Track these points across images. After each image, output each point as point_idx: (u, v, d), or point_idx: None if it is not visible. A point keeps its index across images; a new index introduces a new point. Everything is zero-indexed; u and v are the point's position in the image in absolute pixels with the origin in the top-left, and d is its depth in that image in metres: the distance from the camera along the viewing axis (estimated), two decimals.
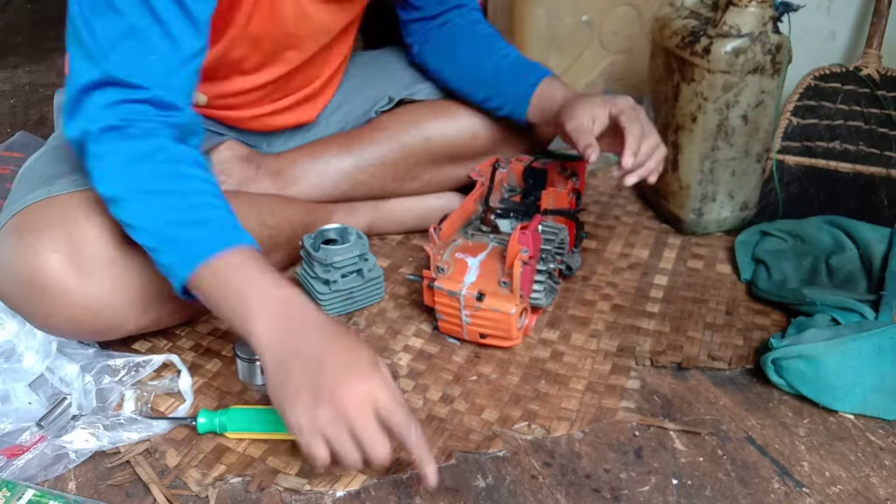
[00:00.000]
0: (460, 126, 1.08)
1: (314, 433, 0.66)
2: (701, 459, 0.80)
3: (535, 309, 0.99)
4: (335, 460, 0.67)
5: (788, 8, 1.05)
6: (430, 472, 0.69)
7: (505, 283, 0.90)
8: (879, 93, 1.20)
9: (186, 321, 0.96)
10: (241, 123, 1.07)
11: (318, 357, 0.67)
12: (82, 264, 0.78)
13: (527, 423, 0.84)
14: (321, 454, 0.66)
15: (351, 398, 0.65)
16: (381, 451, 0.66)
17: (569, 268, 1.06)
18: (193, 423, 0.82)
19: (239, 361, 0.88)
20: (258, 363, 0.85)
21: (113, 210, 0.77)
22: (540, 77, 1.02)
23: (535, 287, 0.95)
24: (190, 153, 0.78)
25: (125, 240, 0.81)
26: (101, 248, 0.80)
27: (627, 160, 0.88)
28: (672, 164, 1.16)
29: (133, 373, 0.90)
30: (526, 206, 1.03)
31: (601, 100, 0.92)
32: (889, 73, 1.21)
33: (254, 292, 0.70)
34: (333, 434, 0.66)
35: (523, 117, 1.03)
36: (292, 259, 1.09)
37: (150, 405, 0.87)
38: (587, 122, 0.91)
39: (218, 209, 0.75)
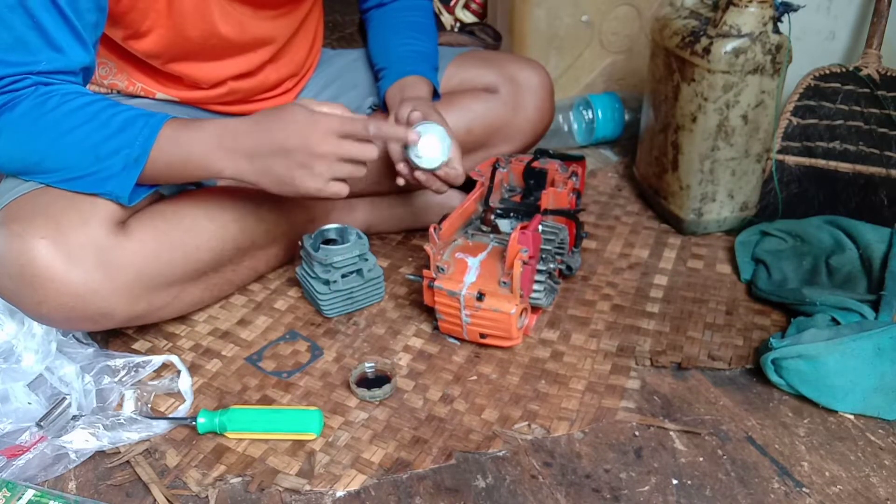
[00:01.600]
0: (454, 121, 1.09)
1: (326, 183, 0.84)
2: (701, 459, 0.80)
3: (535, 309, 0.99)
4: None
5: (788, 8, 1.05)
6: (411, 136, 0.91)
7: (505, 283, 0.90)
8: (879, 93, 1.20)
9: (180, 314, 0.96)
10: (224, 109, 1.07)
11: (274, 148, 0.82)
12: (70, 251, 0.79)
13: (527, 423, 0.84)
14: (342, 190, 0.85)
15: (323, 146, 0.82)
16: (370, 153, 0.85)
17: (569, 268, 1.06)
18: (193, 423, 0.82)
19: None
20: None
21: (41, 175, 0.82)
22: (415, 72, 1.07)
23: (535, 287, 0.95)
24: (70, 88, 0.81)
25: (112, 226, 0.83)
26: (87, 234, 0.81)
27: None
28: (672, 164, 1.16)
29: (133, 373, 0.90)
30: (526, 206, 1.03)
31: (443, 124, 0.97)
32: (889, 73, 1.21)
33: (197, 149, 0.82)
34: (337, 171, 0.84)
35: (382, 94, 1.09)
36: (290, 254, 1.09)
37: (150, 405, 0.87)
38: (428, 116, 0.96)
39: (124, 111, 0.82)
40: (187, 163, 0.82)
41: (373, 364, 0.91)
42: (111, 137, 0.80)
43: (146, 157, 0.80)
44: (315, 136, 0.82)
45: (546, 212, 0.99)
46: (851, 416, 0.85)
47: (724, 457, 0.80)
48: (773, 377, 0.87)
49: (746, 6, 1.03)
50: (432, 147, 0.92)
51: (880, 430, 0.84)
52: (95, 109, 0.81)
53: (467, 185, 1.06)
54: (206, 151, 0.82)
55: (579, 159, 1.11)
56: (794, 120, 1.22)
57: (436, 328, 0.98)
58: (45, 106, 0.79)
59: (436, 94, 1.09)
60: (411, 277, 0.99)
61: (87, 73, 0.85)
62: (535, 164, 1.06)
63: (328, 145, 0.82)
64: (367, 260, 1.01)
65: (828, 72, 1.23)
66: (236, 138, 0.83)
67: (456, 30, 1.70)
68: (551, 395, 0.88)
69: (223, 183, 1.01)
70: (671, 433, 0.83)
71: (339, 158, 0.83)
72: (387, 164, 1.10)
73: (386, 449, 0.81)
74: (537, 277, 0.95)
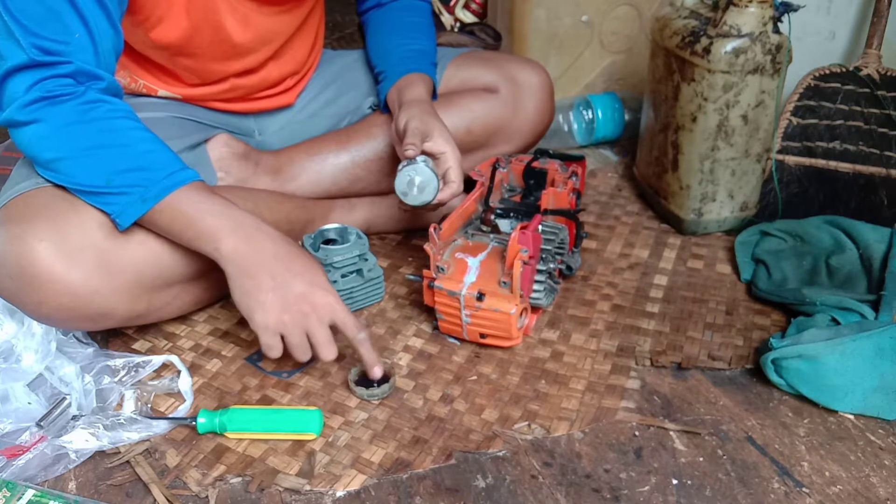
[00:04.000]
0: (454, 121, 1.09)
1: (275, 333, 0.82)
2: (701, 459, 0.80)
3: (535, 309, 0.99)
4: (287, 353, 0.84)
5: (788, 8, 1.05)
6: (377, 371, 0.86)
7: (505, 283, 0.89)
8: (879, 93, 1.20)
9: (181, 314, 0.96)
10: (225, 106, 1.07)
11: (283, 268, 0.81)
12: (69, 252, 0.79)
13: (527, 423, 0.84)
14: (277, 348, 0.83)
15: (315, 308, 0.81)
16: (328, 352, 0.83)
17: (569, 268, 1.06)
18: (193, 423, 0.82)
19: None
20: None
21: (51, 172, 0.82)
22: (412, 70, 1.06)
23: (535, 287, 0.95)
24: (119, 105, 0.82)
25: (111, 228, 0.83)
26: (86, 235, 0.81)
27: (443, 198, 0.97)
28: (672, 164, 1.16)
29: (133, 373, 0.90)
30: (526, 206, 1.03)
31: (447, 138, 0.96)
32: (889, 73, 1.21)
33: (212, 218, 0.81)
34: (290, 332, 0.81)
35: (383, 97, 1.08)
36: None
37: (150, 405, 0.87)
38: (427, 133, 0.95)
39: (159, 153, 0.82)
40: (191, 226, 0.81)
41: None
42: (133, 170, 0.80)
43: (154, 203, 0.80)
44: (311, 294, 0.81)
45: (546, 212, 0.99)
46: (851, 416, 0.85)
47: (724, 457, 0.80)
48: (773, 377, 0.87)
49: (746, 6, 1.03)
50: (417, 190, 0.95)
51: (880, 430, 0.84)
52: (132, 137, 0.81)
53: (467, 185, 1.06)
54: (218, 226, 0.80)
55: (579, 159, 1.11)
56: (794, 120, 1.22)
57: (436, 328, 0.98)
58: (89, 114, 0.79)
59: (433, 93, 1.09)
60: (411, 277, 0.99)
61: (117, 56, 0.85)
62: (535, 164, 1.06)
63: (310, 318, 0.81)
64: (367, 260, 1.01)
65: (828, 72, 1.23)
66: (257, 234, 0.82)
67: (456, 30, 1.70)
68: (551, 395, 0.88)
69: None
70: (671, 433, 0.83)
71: (303, 330, 0.81)
72: (387, 164, 1.10)
73: (386, 449, 0.81)
74: (537, 277, 0.95)
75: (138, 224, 0.83)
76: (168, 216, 0.81)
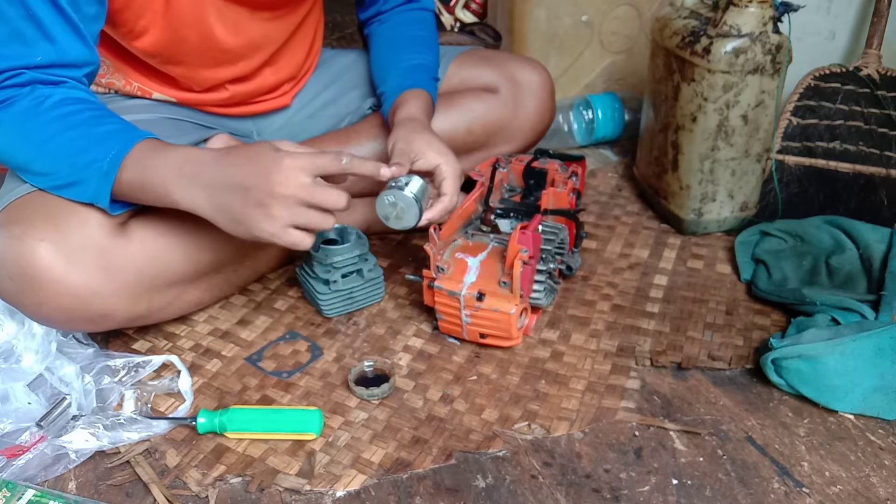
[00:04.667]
0: (454, 121, 1.08)
1: (285, 229, 0.77)
2: (701, 459, 0.80)
3: (535, 309, 0.99)
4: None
5: (788, 8, 1.05)
6: (384, 171, 0.84)
7: (505, 283, 0.90)
8: (879, 93, 1.20)
9: (181, 315, 0.96)
10: (222, 110, 1.07)
11: (234, 183, 0.76)
12: (70, 253, 0.79)
13: (527, 423, 0.84)
14: (303, 240, 0.78)
15: (284, 185, 0.75)
16: (337, 200, 0.78)
17: (569, 268, 1.06)
18: (193, 423, 0.82)
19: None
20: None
21: (33, 176, 0.82)
22: (408, 87, 1.02)
23: (535, 287, 0.95)
24: (70, 93, 0.81)
25: (112, 228, 0.83)
26: (87, 235, 0.81)
27: (432, 216, 0.92)
28: (672, 164, 1.16)
29: (133, 373, 0.90)
30: (526, 206, 1.03)
31: (439, 150, 0.92)
32: (889, 73, 1.21)
33: (157, 174, 0.78)
34: (298, 218, 0.77)
35: (385, 116, 1.05)
36: (290, 254, 1.09)
37: (150, 405, 0.87)
38: (415, 153, 0.91)
39: (109, 124, 0.81)
40: (146, 185, 0.79)
41: (372, 363, 0.91)
42: (89, 148, 0.79)
43: (115, 173, 0.78)
44: (277, 174, 0.75)
45: (546, 212, 0.99)
46: (851, 416, 0.85)
47: (724, 457, 0.80)
48: (773, 377, 0.87)
49: (746, 6, 1.03)
50: (396, 216, 0.91)
51: (880, 430, 0.84)
52: (83, 118, 0.80)
53: (467, 185, 1.06)
54: (165, 179, 0.78)
55: (579, 159, 1.11)
56: (794, 120, 1.22)
57: (436, 328, 0.98)
58: (40, 108, 0.79)
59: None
60: (411, 277, 0.99)
61: (90, 69, 0.84)
62: (535, 164, 1.06)
63: (290, 186, 0.75)
64: (367, 260, 1.01)
65: (828, 72, 1.23)
66: (197, 168, 0.78)
67: (456, 30, 1.70)
68: (551, 395, 0.88)
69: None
70: (671, 433, 0.83)
71: (300, 202, 0.76)
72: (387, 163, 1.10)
73: (386, 449, 0.81)
74: (537, 277, 0.95)
75: (135, 212, 0.83)
76: (130, 184, 0.79)
